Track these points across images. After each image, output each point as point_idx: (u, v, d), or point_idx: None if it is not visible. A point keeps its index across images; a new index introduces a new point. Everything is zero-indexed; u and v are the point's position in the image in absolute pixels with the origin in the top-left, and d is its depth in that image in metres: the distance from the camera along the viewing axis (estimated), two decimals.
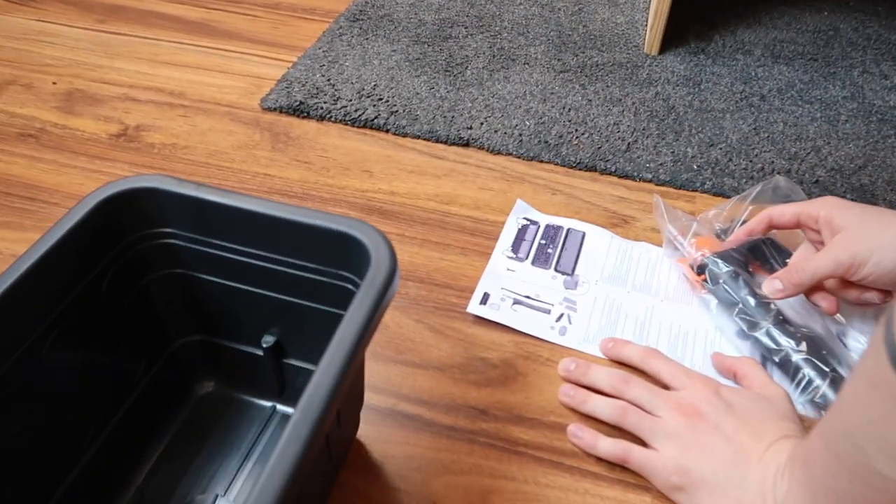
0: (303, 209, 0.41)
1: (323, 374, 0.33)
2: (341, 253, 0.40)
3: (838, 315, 0.57)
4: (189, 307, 0.48)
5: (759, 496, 0.43)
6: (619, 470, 0.49)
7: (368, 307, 0.36)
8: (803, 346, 0.52)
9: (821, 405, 0.51)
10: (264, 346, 0.47)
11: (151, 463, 0.47)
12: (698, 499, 0.45)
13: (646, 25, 0.94)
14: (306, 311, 0.45)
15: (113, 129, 0.78)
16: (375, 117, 0.79)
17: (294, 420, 0.31)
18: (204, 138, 0.77)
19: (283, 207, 0.41)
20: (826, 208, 0.53)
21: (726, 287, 0.56)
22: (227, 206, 0.41)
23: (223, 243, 0.44)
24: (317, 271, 0.43)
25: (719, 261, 0.58)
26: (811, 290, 0.55)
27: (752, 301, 0.55)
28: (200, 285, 0.46)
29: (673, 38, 0.91)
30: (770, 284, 0.55)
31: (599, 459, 0.49)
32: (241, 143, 0.76)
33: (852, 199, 0.68)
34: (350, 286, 0.42)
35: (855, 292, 0.54)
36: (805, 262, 0.53)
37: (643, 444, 0.48)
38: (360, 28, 0.94)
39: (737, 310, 0.56)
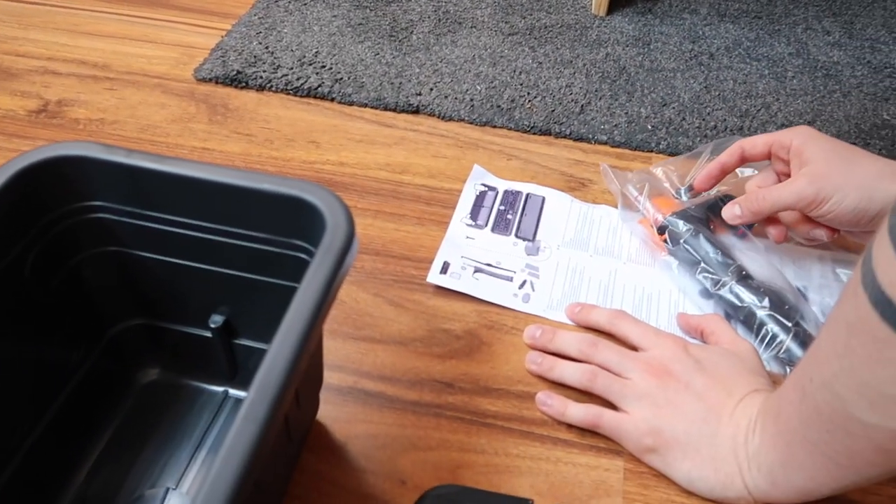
0: (249, 173, 0.38)
1: (279, 350, 0.30)
2: (293, 219, 0.37)
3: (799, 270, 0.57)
4: (126, 288, 0.44)
5: (732, 451, 0.43)
6: (591, 436, 0.47)
7: (326, 275, 0.33)
8: (766, 301, 0.52)
9: (785, 360, 0.50)
10: (212, 326, 0.43)
11: (93, 460, 0.44)
12: (671, 459, 0.44)
13: None
14: (257, 285, 0.41)
15: (31, 104, 0.72)
16: (319, 86, 0.75)
17: (249, 400, 0.28)
18: (134, 112, 0.72)
19: (226, 172, 0.38)
20: (799, 137, 0.52)
21: (687, 246, 0.56)
22: (164, 174, 0.38)
23: (161, 215, 0.40)
24: (267, 241, 0.39)
25: (679, 221, 0.57)
26: (766, 219, 0.55)
27: (714, 258, 0.54)
28: (138, 263, 0.42)
29: None
30: (729, 209, 0.55)
31: (570, 426, 0.48)
32: (176, 116, 0.71)
33: None
34: (304, 255, 0.39)
35: (805, 227, 0.54)
36: (767, 191, 0.53)
37: (614, 408, 0.47)
38: None
39: (699, 269, 0.55)
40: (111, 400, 0.46)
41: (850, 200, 0.49)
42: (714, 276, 0.54)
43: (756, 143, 0.56)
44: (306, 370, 0.34)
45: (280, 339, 0.31)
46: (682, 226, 0.57)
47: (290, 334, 0.31)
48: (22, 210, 0.38)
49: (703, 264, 0.55)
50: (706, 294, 0.55)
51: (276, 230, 0.39)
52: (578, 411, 0.47)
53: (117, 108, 0.72)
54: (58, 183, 0.38)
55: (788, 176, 0.54)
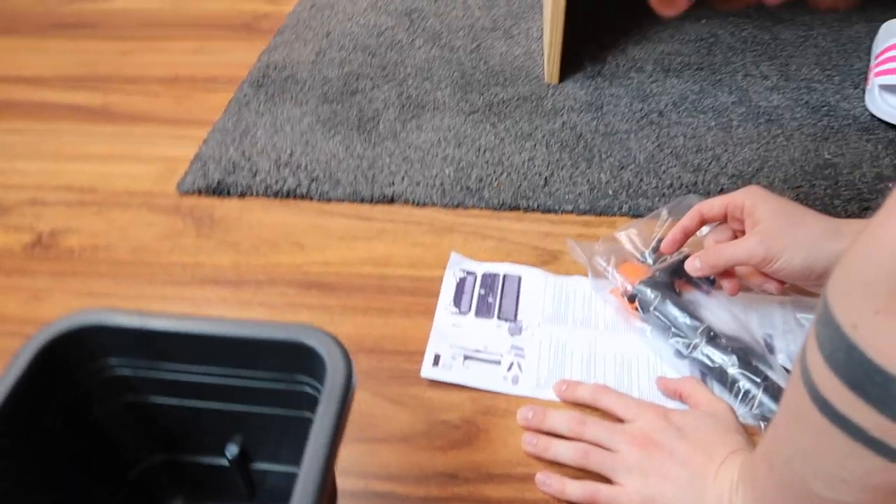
0: (250, 323, 0.42)
1: (306, 479, 0.34)
2: (295, 360, 0.41)
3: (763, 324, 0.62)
4: (146, 430, 0.47)
5: None
6: None
7: (333, 415, 0.37)
8: (735, 359, 0.56)
9: (758, 415, 0.54)
10: (229, 456, 0.47)
11: None
12: None
13: (542, 55, 0.98)
14: (267, 416, 0.45)
15: (26, 238, 0.76)
16: (297, 186, 0.79)
17: None
18: (124, 234, 0.75)
19: (230, 324, 0.42)
20: (750, 199, 0.58)
21: (657, 313, 0.60)
22: (175, 332, 0.41)
23: (174, 366, 0.43)
24: (273, 379, 0.43)
25: (647, 289, 0.61)
26: (722, 272, 0.60)
27: (683, 322, 0.59)
28: (156, 408, 0.46)
29: (570, 64, 0.96)
30: (691, 262, 0.60)
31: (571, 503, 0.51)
32: (164, 233, 0.75)
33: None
34: (308, 389, 0.42)
35: (758, 280, 0.59)
36: (724, 247, 0.58)
37: (609, 481, 0.51)
38: (266, 93, 0.94)
39: (671, 333, 0.59)
40: None
41: (797, 260, 0.54)
42: (685, 340, 0.58)
43: (713, 205, 0.61)
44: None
45: (305, 471, 0.34)
46: (650, 293, 0.61)
47: (314, 465, 0.35)
48: (48, 380, 0.41)
49: (673, 329, 0.59)
50: (680, 356, 0.59)
51: (280, 369, 0.42)
52: (576, 489, 0.51)
53: (108, 232, 0.76)
54: (79, 349, 0.42)
55: (743, 233, 0.59)
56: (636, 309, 0.62)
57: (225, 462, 0.47)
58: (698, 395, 0.55)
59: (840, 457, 0.33)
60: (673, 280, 0.63)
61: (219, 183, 0.80)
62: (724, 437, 0.51)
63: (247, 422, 0.46)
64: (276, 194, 0.79)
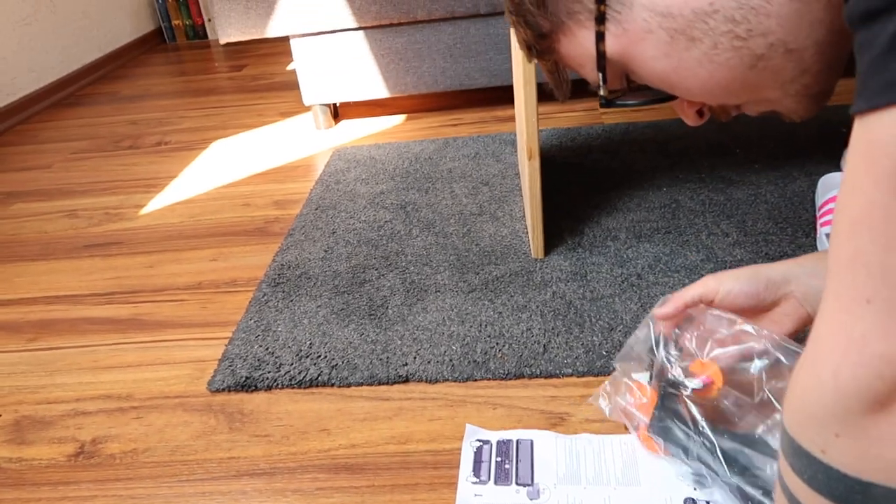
0: None
1: None
2: None
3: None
4: None
5: None
6: None
7: None
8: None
9: None
10: None
11: None
12: None
13: (527, 233, 1.10)
14: None
15: (69, 449, 0.81)
16: (318, 375, 0.86)
17: None
18: (162, 436, 0.81)
19: None
20: (713, 279, 0.67)
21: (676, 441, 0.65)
22: None
23: None
24: None
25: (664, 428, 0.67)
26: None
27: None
28: None
29: (552, 238, 1.07)
30: (659, 308, 0.68)
31: None
32: (199, 431, 0.81)
33: None
34: None
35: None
36: (683, 289, 0.68)
37: None
38: (283, 291, 1.04)
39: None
40: None
41: (743, 278, 0.65)
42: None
43: (685, 295, 0.69)
44: None
45: None
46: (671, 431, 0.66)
47: None
48: None
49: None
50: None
51: None
52: None
53: (146, 436, 0.82)
54: None
55: None
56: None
57: None
58: None
59: None
60: (669, 414, 0.68)
61: (246, 379, 0.87)
62: None
63: None
64: (300, 384, 0.86)
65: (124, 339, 1.00)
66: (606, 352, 0.84)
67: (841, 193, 0.35)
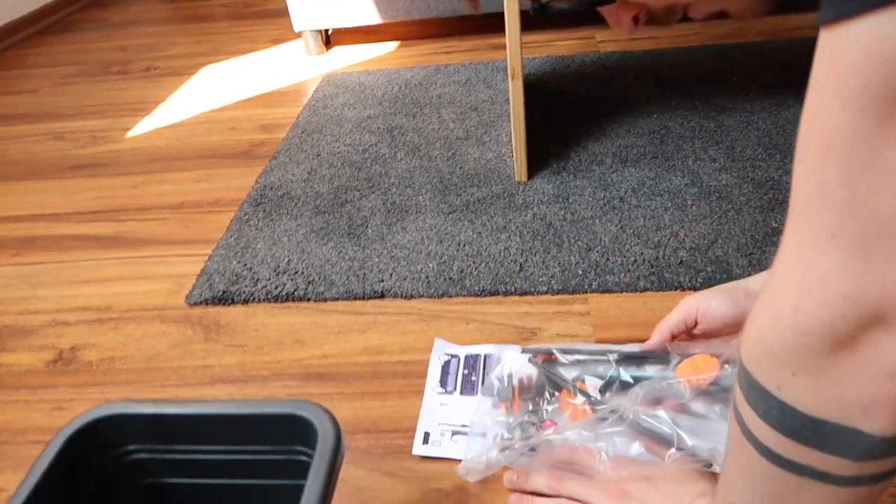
0: (251, 402, 0.48)
1: None
2: (292, 432, 0.47)
3: None
4: None
5: None
6: None
7: (324, 476, 0.42)
8: None
9: None
10: None
11: None
12: None
13: (512, 157, 1.09)
14: (268, 488, 0.50)
15: (48, 356, 0.82)
16: (295, 290, 0.87)
17: None
18: (139, 345, 0.82)
19: (233, 404, 0.48)
20: (693, 299, 0.65)
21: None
22: (186, 415, 0.47)
23: (184, 447, 0.49)
24: (272, 451, 0.49)
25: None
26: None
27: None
28: (165, 488, 0.51)
29: (537, 163, 1.06)
30: (649, 343, 0.66)
31: None
32: (176, 341, 0.82)
33: (712, 271, 0.81)
34: (304, 458, 0.48)
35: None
36: (664, 319, 0.66)
37: None
38: (264, 210, 1.04)
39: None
40: None
41: (720, 297, 0.62)
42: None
43: (670, 320, 0.67)
44: None
45: None
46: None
47: None
48: (73, 470, 0.47)
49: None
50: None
51: (279, 442, 0.48)
52: None
53: (124, 345, 0.83)
54: (100, 440, 0.48)
55: None
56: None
57: None
58: None
59: (796, 494, 0.38)
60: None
61: (223, 293, 0.87)
62: (689, 483, 0.55)
63: (249, 494, 0.50)
64: (276, 298, 0.86)
65: (106, 255, 1.00)
66: (582, 271, 0.84)
67: (804, 118, 0.32)
